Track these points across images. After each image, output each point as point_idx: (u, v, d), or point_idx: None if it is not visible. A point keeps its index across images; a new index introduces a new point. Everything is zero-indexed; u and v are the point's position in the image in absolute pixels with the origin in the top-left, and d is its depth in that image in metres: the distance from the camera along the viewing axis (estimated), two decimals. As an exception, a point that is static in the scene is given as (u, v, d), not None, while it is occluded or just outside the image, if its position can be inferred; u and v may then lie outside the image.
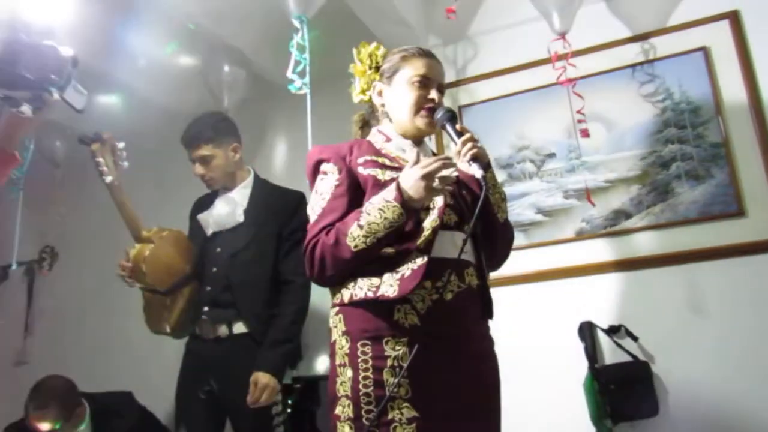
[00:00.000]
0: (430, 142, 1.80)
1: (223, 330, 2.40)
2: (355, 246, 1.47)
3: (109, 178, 2.41)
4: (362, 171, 1.60)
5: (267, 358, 2.30)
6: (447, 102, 3.09)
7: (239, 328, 2.39)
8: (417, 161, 1.49)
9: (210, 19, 2.83)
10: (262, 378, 2.25)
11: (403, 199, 1.46)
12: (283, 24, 2.45)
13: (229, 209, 2.53)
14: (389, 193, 1.48)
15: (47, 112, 1.35)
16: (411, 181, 1.46)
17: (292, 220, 2.46)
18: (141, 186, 3.64)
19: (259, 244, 2.45)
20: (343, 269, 1.52)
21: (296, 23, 2.44)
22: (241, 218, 2.50)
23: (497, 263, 1.73)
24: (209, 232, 2.55)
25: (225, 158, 2.54)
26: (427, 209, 1.56)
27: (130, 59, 3.01)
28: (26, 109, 1.31)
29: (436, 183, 1.46)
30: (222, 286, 2.43)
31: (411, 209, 1.48)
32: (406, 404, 1.43)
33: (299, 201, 2.52)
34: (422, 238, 1.51)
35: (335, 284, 1.58)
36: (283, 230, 2.46)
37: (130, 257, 2.43)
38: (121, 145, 2.48)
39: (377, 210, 1.47)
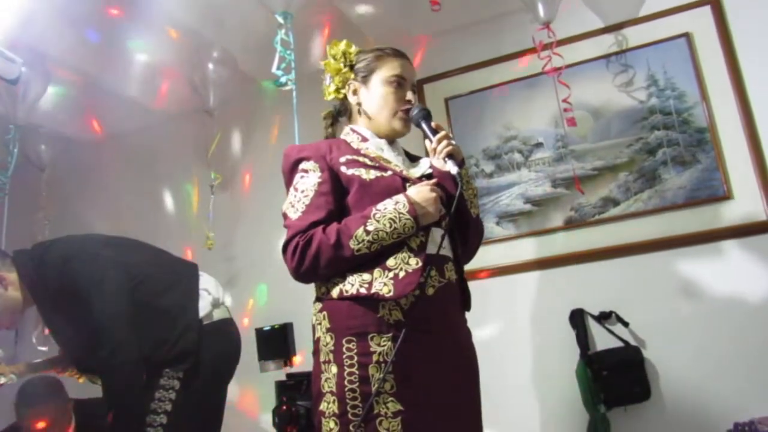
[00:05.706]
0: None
1: None
2: (358, 249, 1.48)
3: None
4: (345, 170, 1.60)
5: None
6: (433, 94, 3.13)
7: None
8: (436, 185, 1.54)
9: (194, 18, 2.81)
10: None
11: (416, 213, 1.49)
12: (267, 21, 2.44)
13: None
14: (401, 205, 1.50)
15: None
16: (425, 197, 1.51)
17: None
18: (129, 184, 3.63)
19: None
20: (337, 268, 1.53)
21: (280, 19, 2.43)
22: None
23: (469, 257, 1.76)
24: None
25: None
26: None
27: (116, 59, 2.98)
28: None
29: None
30: None
31: (420, 224, 1.51)
32: (391, 398, 1.45)
33: None
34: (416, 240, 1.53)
35: (319, 281, 1.59)
36: None
37: None
38: None
39: (388, 219, 1.49)
